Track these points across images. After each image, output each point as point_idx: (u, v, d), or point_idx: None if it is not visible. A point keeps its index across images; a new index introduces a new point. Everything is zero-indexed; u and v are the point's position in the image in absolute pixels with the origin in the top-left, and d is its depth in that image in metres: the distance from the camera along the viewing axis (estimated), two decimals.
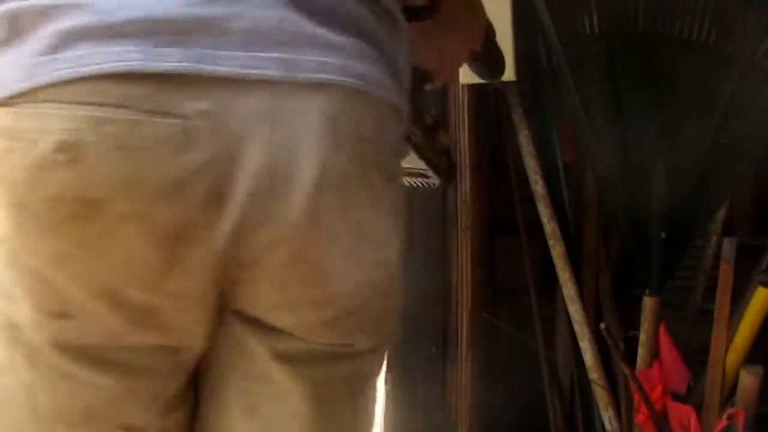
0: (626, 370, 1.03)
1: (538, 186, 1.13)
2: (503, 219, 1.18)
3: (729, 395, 1.00)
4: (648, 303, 1.06)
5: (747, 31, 1.05)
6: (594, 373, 1.05)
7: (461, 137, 1.04)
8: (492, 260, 1.20)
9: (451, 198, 1.04)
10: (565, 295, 1.09)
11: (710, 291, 1.09)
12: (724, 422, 0.91)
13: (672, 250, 1.06)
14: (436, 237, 1.03)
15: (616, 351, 1.05)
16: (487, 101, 1.20)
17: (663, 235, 1.05)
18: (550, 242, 1.11)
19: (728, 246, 1.04)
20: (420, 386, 1.04)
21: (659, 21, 1.10)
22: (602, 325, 1.01)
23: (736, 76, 1.06)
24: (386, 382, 1.05)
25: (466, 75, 1.02)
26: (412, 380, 1.04)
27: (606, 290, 1.20)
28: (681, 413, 0.98)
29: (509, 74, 1.02)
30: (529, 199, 1.15)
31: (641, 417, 1.02)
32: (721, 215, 1.19)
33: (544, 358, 1.16)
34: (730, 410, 0.91)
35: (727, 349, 1.01)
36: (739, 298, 1.07)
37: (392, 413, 1.04)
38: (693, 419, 0.96)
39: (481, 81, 1.03)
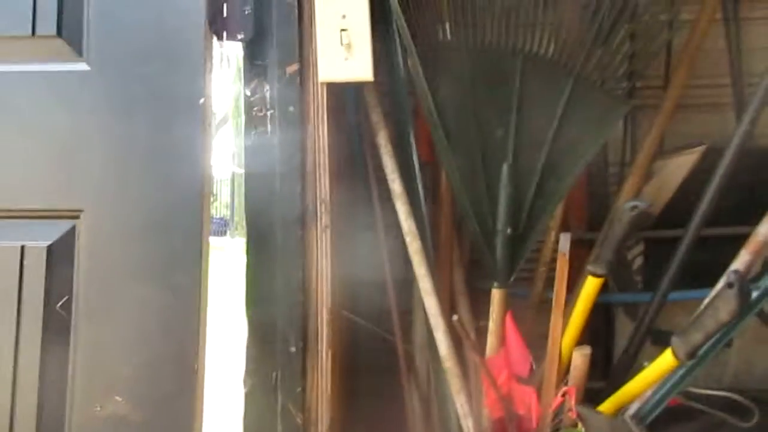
0: (476, 359, 1.10)
1: (395, 184, 1.16)
2: (362, 217, 1.20)
3: (565, 374, 1.09)
4: (496, 294, 1.13)
5: (578, 46, 1.16)
6: (448, 362, 1.10)
7: (320, 135, 1.04)
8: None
9: (310, 197, 1.03)
10: (421, 289, 1.13)
11: (550, 281, 1.18)
12: (559, 399, 1.00)
13: (516, 245, 1.14)
14: (294, 236, 1.01)
15: (467, 341, 1.10)
16: (347, 100, 1.22)
17: (509, 231, 1.13)
18: (407, 239, 1.14)
19: (564, 241, 1.14)
20: (279, 387, 1.01)
21: (504, 33, 1.18)
22: (454, 317, 1.06)
23: (570, 87, 1.17)
24: (244, 384, 1.02)
25: (325, 72, 1.03)
26: (271, 381, 1.01)
27: (459, 284, 1.26)
28: (524, 394, 1.06)
29: (367, 74, 1.04)
30: (387, 197, 1.18)
31: (489, 400, 1.08)
32: (558, 213, 1.31)
33: (402, 350, 1.19)
34: (564, 388, 0.99)
35: (563, 333, 1.10)
36: (575, 288, 1.18)
37: (250, 415, 1.01)
38: (534, 399, 1.04)
39: (340, 80, 1.04)
